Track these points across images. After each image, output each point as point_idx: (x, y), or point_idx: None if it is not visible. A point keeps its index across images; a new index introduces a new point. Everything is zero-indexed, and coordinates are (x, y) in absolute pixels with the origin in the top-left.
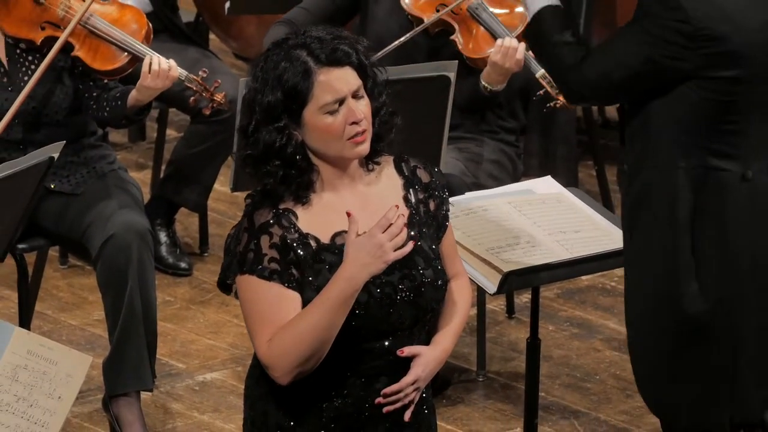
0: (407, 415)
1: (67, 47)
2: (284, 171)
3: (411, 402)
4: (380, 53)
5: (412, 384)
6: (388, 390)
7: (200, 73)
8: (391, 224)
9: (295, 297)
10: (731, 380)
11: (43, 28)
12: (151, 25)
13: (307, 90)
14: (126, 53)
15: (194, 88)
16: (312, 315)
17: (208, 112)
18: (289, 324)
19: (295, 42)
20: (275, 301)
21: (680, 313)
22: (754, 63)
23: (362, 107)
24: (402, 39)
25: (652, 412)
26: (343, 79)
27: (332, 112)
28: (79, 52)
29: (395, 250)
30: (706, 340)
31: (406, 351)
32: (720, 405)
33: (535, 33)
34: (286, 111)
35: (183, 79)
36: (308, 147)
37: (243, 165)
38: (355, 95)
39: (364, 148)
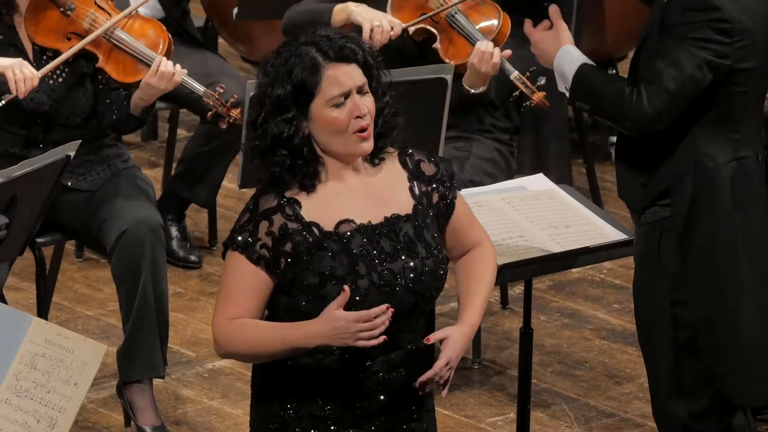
0: (444, 393)
1: (92, 59)
2: (291, 161)
3: (447, 381)
4: None
5: (445, 366)
6: (423, 378)
7: (218, 88)
8: (371, 319)
9: (270, 287)
10: None
11: (69, 39)
12: (171, 38)
13: (315, 84)
14: (147, 66)
15: (212, 103)
16: (266, 334)
17: (224, 126)
18: (252, 324)
19: (305, 40)
20: (251, 286)
21: (743, 297)
22: (760, 49)
23: (367, 103)
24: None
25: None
26: (349, 74)
27: (338, 105)
28: (103, 64)
29: (363, 339)
30: (757, 318)
31: (432, 338)
32: None
33: (583, 89)
34: (295, 103)
35: (201, 94)
36: (315, 140)
37: (251, 156)
38: (360, 91)
39: (369, 145)
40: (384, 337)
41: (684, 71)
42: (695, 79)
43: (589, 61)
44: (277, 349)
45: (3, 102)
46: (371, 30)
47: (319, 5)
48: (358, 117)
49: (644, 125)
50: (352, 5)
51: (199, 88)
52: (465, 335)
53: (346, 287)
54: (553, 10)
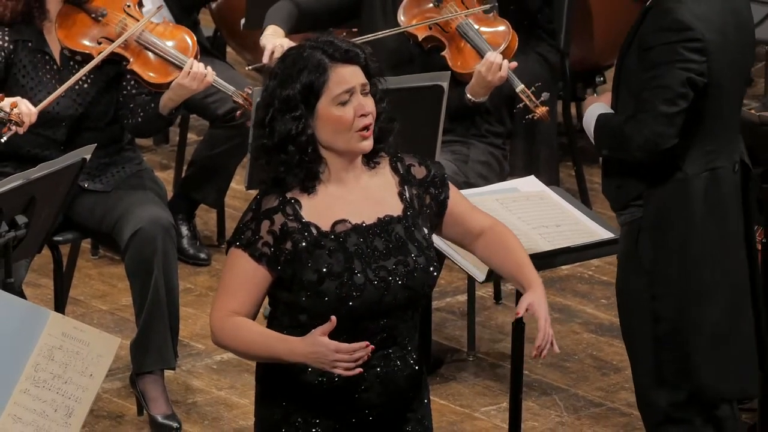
0: (556, 348)
1: (120, 63)
2: (298, 157)
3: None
4: (360, 39)
5: (545, 323)
6: (538, 343)
7: (246, 89)
8: (350, 353)
9: (269, 283)
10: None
11: (99, 43)
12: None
13: (322, 83)
14: (177, 68)
15: (240, 102)
16: (256, 339)
17: (249, 124)
18: (246, 327)
19: (310, 44)
20: (251, 281)
21: (713, 304)
22: (728, 64)
23: (369, 103)
24: (381, 34)
25: (708, 392)
26: (354, 74)
27: (344, 103)
28: (133, 66)
29: (339, 368)
30: (728, 319)
31: (521, 310)
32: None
33: (598, 137)
34: (303, 102)
35: (231, 93)
36: (319, 140)
37: (257, 155)
38: (363, 91)
39: (369, 143)
40: (360, 369)
41: (672, 90)
42: (682, 95)
43: (609, 109)
44: (262, 355)
45: (4, 139)
46: (272, 52)
47: (275, 13)
48: (362, 115)
49: (650, 150)
50: (269, 30)
51: (229, 87)
52: (542, 294)
53: (333, 318)
54: None
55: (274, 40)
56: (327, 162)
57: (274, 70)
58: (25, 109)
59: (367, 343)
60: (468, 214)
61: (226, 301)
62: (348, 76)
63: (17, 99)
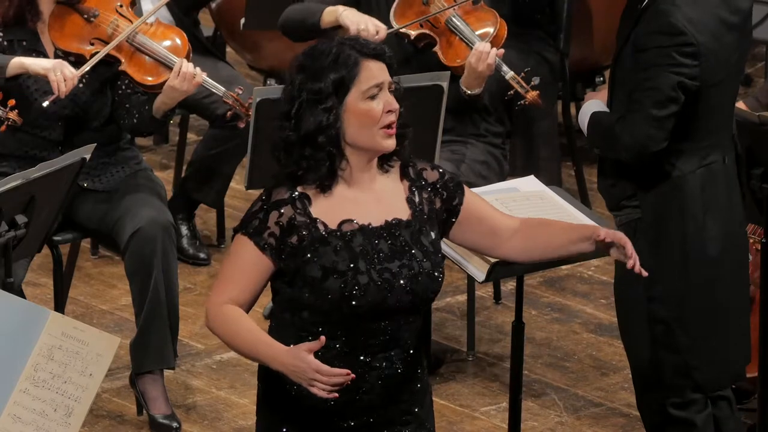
0: (645, 272)
1: (114, 63)
2: (326, 150)
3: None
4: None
5: (626, 238)
6: (629, 252)
7: (237, 90)
8: (330, 375)
9: (270, 273)
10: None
11: (92, 44)
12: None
13: (353, 77)
14: (169, 69)
15: (231, 103)
16: (245, 336)
17: (242, 125)
18: (239, 321)
19: (337, 41)
20: (253, 270)
21: (713, 298)
22: (722, 65)
23: (395, 101)
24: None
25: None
26: (382, 70)
27: (373, 97)
28: (126, 67)
29: (316, 387)
30: (726, 309)
31: (603, 236)
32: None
33: (590, 134)
34: (334, 94)
35: (221, 95)
36: (344, 137)
37: (276, 148)
38: (390, 88)
39: (393, 142)
40: (336, 394)
41: (662, 93)
42: (673, 98)
43: (604, 108)
44: (246, 353)
45: (47, 102)
46: (357, 33)
47: (312, 5)
48: (389, 111)
49: (638, 152)
50: (341, 8)
51: (220, 88)
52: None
53: (322, 337)
54: None
55: (367, 18)
56: (348, 160)
57: (300, 63)
58: (68, 73)
59: (349, 371)
60: (492, 215)
61: (226, 287)
62: (377, 71)
63: (58, 61)
